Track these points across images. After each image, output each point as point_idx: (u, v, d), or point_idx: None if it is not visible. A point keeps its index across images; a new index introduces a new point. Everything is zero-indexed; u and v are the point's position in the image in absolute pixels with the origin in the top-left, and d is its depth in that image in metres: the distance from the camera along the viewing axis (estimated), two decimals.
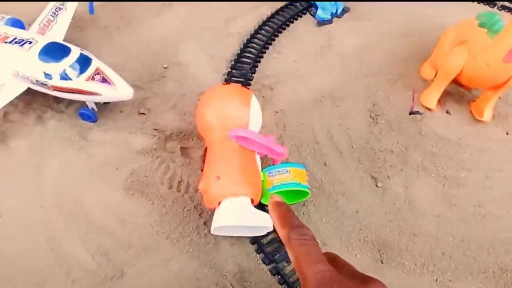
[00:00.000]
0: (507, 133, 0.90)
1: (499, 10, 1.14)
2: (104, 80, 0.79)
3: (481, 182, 0.84)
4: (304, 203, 0.79)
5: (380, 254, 0.75)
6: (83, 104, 0.85)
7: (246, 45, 1.00)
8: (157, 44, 1.02)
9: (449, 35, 0.87)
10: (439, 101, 0.91)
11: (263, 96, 0.92)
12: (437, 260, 0.76)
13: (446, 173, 0.84)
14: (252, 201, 0.69)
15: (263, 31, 1.03)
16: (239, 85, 0.88)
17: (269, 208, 0.37)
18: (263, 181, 0.72)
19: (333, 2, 1.06)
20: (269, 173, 0.72)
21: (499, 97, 0.94)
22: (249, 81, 0.94)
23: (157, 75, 0.96)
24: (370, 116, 0.91)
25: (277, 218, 0.36)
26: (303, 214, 0.78)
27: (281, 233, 0.35)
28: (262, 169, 0.73)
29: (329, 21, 1.06)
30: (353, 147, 0.86)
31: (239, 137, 0.68)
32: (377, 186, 0.82)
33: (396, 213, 0.80)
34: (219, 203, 0.67)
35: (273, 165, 0.73)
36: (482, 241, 0.78)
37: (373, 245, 0.76)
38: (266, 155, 0.75)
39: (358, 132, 0.88)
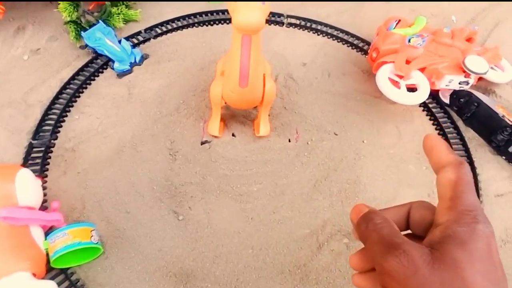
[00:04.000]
0: (289, 140, 0.99)
1: (287, 27, 1.27)
2: None
3: (272, 191, 0.92)
4: (106, 256, 0.81)
5: (183, 285, 0.80)
6: None
7: (47, 112, 1.01)
8: None
9: (218, 65, 0.95)
10: (226, 126, 0.99)
11: (66, 160, 0.94)
12: (240, 274, 0.82)
13: (241, 190, 0.92)
14: (35, 274, 0.71)
15: (64, 95, 1.05)
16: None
17: None
18: (47, 249, 0.74)
19: (130, 52, 1.11)
20: (50, 240, 0.74)
21: (285, 108, 1.05)
22: (51, 148, 0.96)
23: None
24: (170, 154, 0.96)
25: None
26: (106, 266, 0.80)
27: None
28: (45, 238, 0.75)
29: (129, 71, 1.11)
30: (154, 188, 0.91)
31: (4, 217, 0.70)
32: (178, 219, 0.87)
33: (198, 241, 0.85)
34: None
35: (55, 230, 0.75)
36: (279, 244, 0.86)
37: (176, 278, 0.80)
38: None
39: (158, 172, 0.93)
